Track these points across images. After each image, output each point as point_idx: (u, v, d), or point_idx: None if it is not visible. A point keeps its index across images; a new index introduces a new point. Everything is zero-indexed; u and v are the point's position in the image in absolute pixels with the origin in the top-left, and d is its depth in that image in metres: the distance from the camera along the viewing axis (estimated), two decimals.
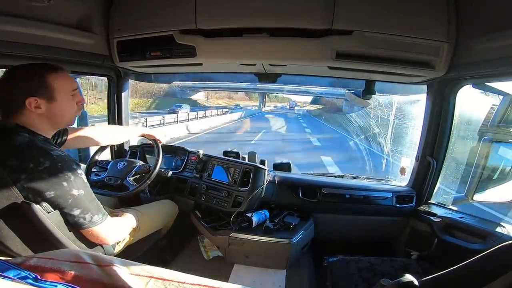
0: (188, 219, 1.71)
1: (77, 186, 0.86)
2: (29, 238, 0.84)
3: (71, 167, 0.86)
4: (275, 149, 11.06)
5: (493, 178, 1.45)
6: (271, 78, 1.63)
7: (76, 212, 0.87)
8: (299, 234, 1.49)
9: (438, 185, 1.54)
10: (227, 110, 28.38)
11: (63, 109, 0.91)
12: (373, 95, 1.60)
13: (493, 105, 1.64)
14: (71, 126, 1.23)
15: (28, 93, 0.84)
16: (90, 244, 0.98)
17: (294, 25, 1.16)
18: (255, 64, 1.44)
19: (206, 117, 21.42)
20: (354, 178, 1.89)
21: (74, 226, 0.89)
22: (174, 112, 19.16)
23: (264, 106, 42.01)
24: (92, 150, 1.61)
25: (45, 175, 0.81)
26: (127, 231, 1.14)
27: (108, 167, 1.51)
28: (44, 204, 0.82)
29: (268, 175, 1.66)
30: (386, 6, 1.12)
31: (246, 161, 1.77)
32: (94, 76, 1.81)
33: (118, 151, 1.91)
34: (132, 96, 10.40)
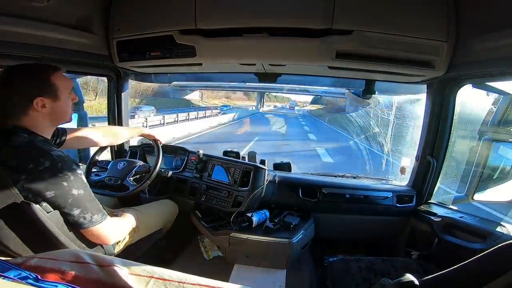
0: (188, 219, 1.71)
1: (76, 186, 0.86)
2: (29, 238, 0.84)
3: (71, 167, 0.86)
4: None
5: (493, 177, 1.45)
6: (271, 78, 1.63)
7: (76, 211, 0.87)
8: (299, 234, 1.49)
9: (438, 184, 1.54)
10: (219, 111, 25.13)
11: (64, 106, 0.94)
12: (373, 95, 1.60)
13: (493, 104, 1.64)
14: (70, 127, 1.23)
15: (36, 93, 0.86)
16: (90, 244, 0.98)
17: (294, 25, 1.16)
18: (255, 64, 1.44)
19: (190, 120, 17.43)
20: (354, 177, 1.89)
21: (74, 226, 0.89)
22: (132, 115, 13.86)
23: (263, 106, 39.40)
24: (92, 150, 1.61)
25: (45, 175, 0.81)
26: (127, 231, 1.14)
27: (108, 167, 1.51)
28: (44, 204, 0.83)
29: (268, 175, 1.66)
30: (386, 6, 1.12)
31: (246, 161, 1.77)
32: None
33: (118, 151, 1.91)
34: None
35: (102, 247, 1.03)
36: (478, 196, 1.43)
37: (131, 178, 1.44)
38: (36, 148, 0.84)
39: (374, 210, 1.65)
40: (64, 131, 1.18)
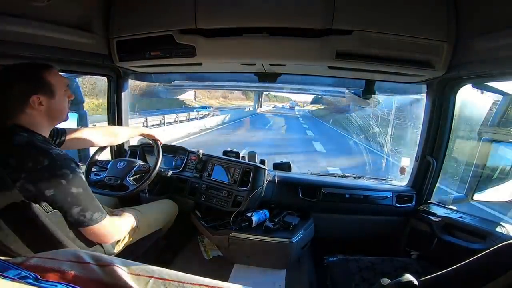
0: (188, 219, 1.71)
1: (76, 184, 0.86)
2: (29, 237, 0.84)
3: (70, 166, 0.86)
4: None
5: (493, 177, 1.45)
6: (271, 78, 1.63)
7: (76, 210, 0.87)
8: (299, 233, 1.49)
9: (438, 184, 1.55)
10: (207, 113, 20.39)
11: (60, 104, 0.94)
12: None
13: (493, 105, 1.64)
14: (70, 127, 1.23)
15: (32, 91, 0.86)
16: (90, 243, 0.98)
17: (294, 25, 1.16)
18: (255, 64, 1.44)
19: (165, 124, 13.22)
20: (354, 177, 1.89)
21: (74, 224, 0.89)
22: None
23: (260, 107, 36.34)
24: (92, 150, 1.61)
25: (44, 174, 0.81)
26: (127, 230, 1.14)
27: (108, 167, 1.51)
28: (44, 203, 0.83)
29: (268, 175, 1.66)
30: (386, 6, 1.12)
31: (246, 160, 1.77)
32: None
33: (118, 150, 1.91)
34: (96, 96, 9.41)
35: (102, 246, 1.03)
36: (477, 196, 1.43)
37: (131, 178, 1.44)
38: (35, 147, 0.84)
39: (374, 210, 1.65)
40: (64, 131, 1.18)
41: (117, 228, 1.04)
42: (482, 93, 1.42)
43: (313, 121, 23.80)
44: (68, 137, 1.19)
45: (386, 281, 0.65)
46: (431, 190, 1.56)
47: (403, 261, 1.32)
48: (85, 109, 2.41)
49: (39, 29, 1.09)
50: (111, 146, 1.79)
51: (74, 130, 1.27)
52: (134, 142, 2.00)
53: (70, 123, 1.05)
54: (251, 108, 32.92)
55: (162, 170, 1.60)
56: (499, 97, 1.58)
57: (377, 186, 1.74)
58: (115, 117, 1.82)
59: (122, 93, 1.80)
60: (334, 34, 1.15)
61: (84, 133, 1.30)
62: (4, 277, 0.43)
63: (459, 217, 1.37)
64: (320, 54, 1.22)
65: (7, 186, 0.78)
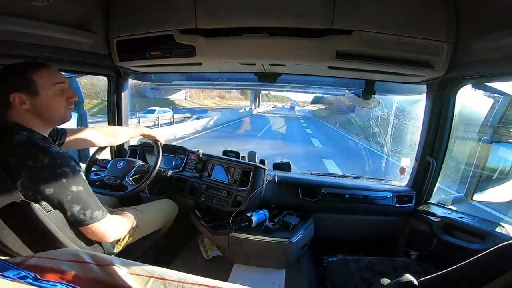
0: (188, 219, 1.71)
1: (76, 183, 0.86)
2: (29, 237, 0.84)
3: (70, 164, 0.86)
4: None
5: (493, 178, 1.45)
6: (271, 77, 1.63)
7: (76, 208, 0.87)
8: (298, 233, 1.49)
9: (437, 185, 1.55)
10: (188, 116, 17.07)
11: (48, 103, 0.90)
12: (373, 95, 1.60)
13: (493, 105, 1.64)
14: (71, 128, 1.23)
15: (12, 90, 0.85)
16: (90, 243, 0.98)
17: (294, 25, 1.16)
18: (255, 64, 1.44)
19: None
20: (354, 178, 1.89)
21: (74, 223, 0.89)
22: None
23: (258, 107, 33.18)
24: (92, 150, 1.61)
25: (44, 172, 0.81)
26: (127, 229, 1.14)
27: (108, 166, 1.51)
28: (44, 203, 0.83)
29: (268, 175, 1.66)
30: (386, 6, 1.12)
31: (246, 160, 1.77)
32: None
33: (118, 150, 1.91)
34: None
35: (102, 246, 1.03)
36: (477, 197, 1.43)
37: (130, 178, 1.44)
38: (35, 145, 0.84)
39: (373, 210, 1.65)
40: (64, 132, 1.18)
41: (117, 227, 1.04)
42: (482, 93, 1.43)
43: (316, 124, 20.89)
44: (69, 137, 1.19)
45: (386, 281, 0.65)
46: (431, 190, 1.56)
47: (402, 261, 1.32)
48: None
49: (39, 29, 1.09)
50: (111, 146, 1.79)
51: (74, 130, 1.27)
52: (134, 142, 2.00)
53: (70, 123, 1.04)
54: (248, 109, 29.54)
55: (162, 170, 1.60)
56: (500, 97, 1.58)
57: (377, 186, 1.74)
58: (115, 117, 1.82)
59: (122, 93, 1.80)
60: (334, 34, 1.15)
61: (84, 133, 1.30)
62: (4, 276, 0.43)
63: (459, 217, 1.37)
64: (320, 54, 1.22)
65: (7, 185, 0.78)
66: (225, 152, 1.83)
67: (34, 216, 0.80)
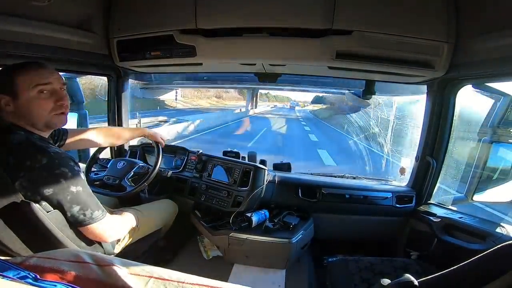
0: (188, 219, 1.71)
1: (75, 183, 0.86)
2: (29, 237, 0.84)
3: (68, 164, 0.86)
4: None
5: (493, 178, 1.45)
6: (271, 78, 1.63)
7: (76, 208, 0.87)
8: (298, 234, 1.49)
9: (438, 185, 1.55)
10: (163, 120, 14.37)
11: (29, 106, 0.85)
12: (373, 95, 1.60)
13: (493, 105, 1.64)
14: (71, 128, 1.23)
15: None
16: (90, 243, 0.98)
17: (294, 25, 1.16)
18: (255, 64, 1.44)
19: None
20: (354, 178, 1.89)
21: (74, 223, 0.89)
22: None
23: (255, 107, 30.00)
24: (92, 150, 1.61)
25: (42, 173, 0.81)
26: (127, 229, 1.14)
27: (108, 166, 1.51)
28: (44, 203, 0.83)
29: (268, 175, 1.66)
30: (386, 6, 1.12)
31: (246, 161, 1.77)
32: None
33: (118, 150, 1.91)
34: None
35: (102, 246, 1.03)
36: (477, 197, 1.43)
37: (129, 179, 1.44)
38: (33, 145, 0.84)
39: (373, 211, 1.65)
40: (66, 132, 1.18)
41: (117, 227, 1.04)
42: (482, 93, 1.42)
43: (319, 126, 18.17)
44: (70, 137, 1.19)
45: (386, 281, 0.65)
46: (431, 191, 1.56)
47: (403, 262, 1.32)
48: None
49: (39, 29, 1.09)
50: (111, 146, 1.79)
51: (75, 131, 1.27)
52: (134, 141, 2.00)
53: (70, 123, 1.03)
54: (244, 109, 26.19)
55: (162, 170, 1.60)
56: (500, 98, 1.58)
57: (377, 187, 1.74)
58: (115, 117, 1.82)
59: (122, 93, 1.80)
60: (334, 34, 1.15)
61: (85, 134, 1.29)
62: (4, 277, 0.43)
63: (459, 218, 1.37)
64: (320, 54, 1.22)
65: (7, 185, 0.78)
66: (225, 152, 1.83)
67: (34, 216, 0.80)
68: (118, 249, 1.15)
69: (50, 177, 0.82)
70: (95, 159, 1.54)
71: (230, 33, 1.23)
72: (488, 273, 0.52)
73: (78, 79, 2.47)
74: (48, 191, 0.82)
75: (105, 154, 1.65)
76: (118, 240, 1.15)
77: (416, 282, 0.60)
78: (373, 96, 1.62)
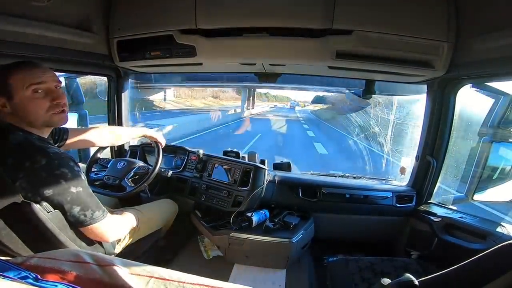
0: (188, 219, 1.71)
1: (75, 183, 0.86)
2: (30, 237, 0.84)
3: (68, 164, 0.85)
4: None
5: (493, 178, 1.45)
6: (271, 77, 1.63)
7: (76, 209, 0.87)
8: (299, 233, 1.49)
9: (438, 184, 1.55)
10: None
11: (24, 107, 0.84)
12: (374, 95, 1.60)
13: (494, 105, 1.64)
14: (72, 127, 1.23)
15: None
16: (91, 243, 0.98)
17: (294, 25, 1.17)
18: (255, 64, 1.44)
19: None
20: (354, 177, 1.89)
21: (75, 224, 0.89)
22: None
23: (252, 107, 27.14)
24: (92, 149, 1.61)
25: (42, 173, 0.81)
26: (127, 229, 1.14)
27: (108, 166, 1.51)
28: (44, 203, 0.82)
29: (268, 175, 1.66)
30: (386, 6, 1.12)
31: (246, 160, 1.77)
32: None
33: (118, 150, 1.91)
34: None
35: (102, 246, 1.03)
36: (478, 196, 1.43)
37: (130, 179, 1.44)
38: (32, 146, 0.84)
39: (374, 210, 1.65)
40: (66, 131, 1.18)
41: (117, 227, 1.04)
42: (482, 93, 1.42)
43: (322, 129, 16.10)
44: (70, 137, 1.19)
45: (386, 281, 0.65)
46: (431, 190, 1.56)
47: (403, 261, 1.32)
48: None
49: (39, 29, 1.09)
50: (111, 146, 1.79)
51: (76, 130, 1.27)
52: (134, 141, 2.00)
53: (70, 123, 1.03)
54: (239, 110, 23.40)
55: (162, 170, 1.60)
56: (500, 97, 1.58)
57: (377, 186, 1.74)
58: (115, 117, 1.82)
59: (122, 93, 1.80)
60: (334, 34, 1.15)
61: (86, 133, 1.29)
62: (4, 277, 0.43)
63: (459, 217, 1.37)
64: (320, 54, 1.22)
65: (7, 186, 0.78)
66: (225, 152, 1.83)
67: (35, 217, 0.80)
68: (118, 249, 1.15)
69: (50, 177, 0.82)
70: (95, 159, 1.54)
71: (230, 33, 1.23)
72: (489, 272, 0.52)
73: (77, 79, 2.47)
74: (48, 191, 0.81)
75: (106, 154, 1.65)
76: (119, 240, 1.15)
77: (416, 282, 0.60)
78: (378, 96, 1.62)
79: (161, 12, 1.28)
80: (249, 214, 1.50)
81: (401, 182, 1.78)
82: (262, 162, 1.75)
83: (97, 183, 1.48)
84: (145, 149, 1.90)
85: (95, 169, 1.57)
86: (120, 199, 1.53)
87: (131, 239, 1.22)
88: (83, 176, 0.91)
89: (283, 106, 43.83)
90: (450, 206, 1.50)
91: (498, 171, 1.46)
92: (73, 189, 0.85)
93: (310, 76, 1.80)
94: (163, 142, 1.54)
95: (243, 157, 1.81)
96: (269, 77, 1.63)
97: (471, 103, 1.58)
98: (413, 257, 1.44)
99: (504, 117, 1.50)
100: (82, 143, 1.29)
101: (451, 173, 1.63)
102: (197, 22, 1.22)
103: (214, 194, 1.64)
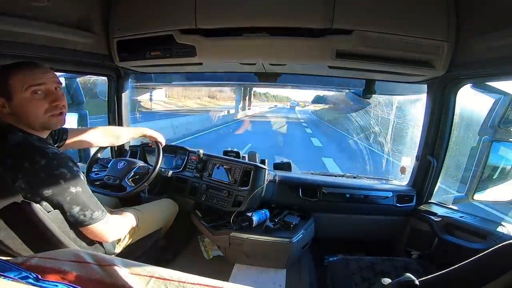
0: (189, 219, 1.71)
1: (74, 184, 0.86)
2: (30, 237, 0.84)
3: (67, 164, 0.85)
4: None
5: (493, 177, 1.45)
6: (271, 77, 1.63)
7: (76, 209, 0.87)
8: (299, 233, 1.49)
9: (438, 184, 1.55)
10: None
11: (23, 108, 0.84)
12: (374, 95, 1.60)
13: (494, 104, 1.64)
14: (72, 127, 1.23)
15: None
16: (91, 243, 0.98)
17: (294, 25, 1.17)
18: (255, 64, 1.44)
19: None
20: (355, 177, 1.89)
21: (75, 224, 0.89)
22: None
23: (248, 108, 24.36)
24: (92, 149, 1.61)
25: (41, 174, 0.81)
26: (127, 229, 1.14)
27: (108, 166, 1.52)
28: (44, 203, 0.82)
29: (269, 175, 1.66)
30: (386, 5, 1.12)
31: (247, 160, 1.77)
32: None
33: (118, 150, 1.91)
34: None
35: (103, 246, 1.03)
36: (478, 196, 1.43)
37: (130, 179, 1.44)
38: (31, 146, 0.84)
39: (374, 210, 1.65)
40: (65, 131, 1.18)
41: (117, 227, 1.04)
42: (482, 92, 1.43)
43: (331, 136, 13.16)
44: (70, 137, 1.19)
45: (386, 280, 0.65)
46: (432, 190, 1.56)
47: (403, 261, 1.32)
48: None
49: (39, 29, 1.09)
50: (111, 146, 1.79)
51: (76, 130, 1.27)
52: (134, 141, 2.00)
53: (70, 123, 1.03)
54: (232, 111, 21.11)
55: (163, 170, 1.60)
56: (500, 97, 1.58)
57: (378, 186, 1.74)
58: (115, 117, 1.82)
59: (123, 93, 1.80)
60: (334, 34, 1.15)
61: (86, 133, 1.29)
62: (5, 277, 0.43)
63: (460, 217, 1.37)
64: (320, 54, 1.22)
65: (6, 186, 0.78)
66: (226, 152, 1.83)
67: (35, 217, 0.80)
68: (118, 249, 1.15)
69: (49, 178, 0.82)
70: (95, 159, 1.54)
71: (230, 33, 1.23)
72: (489, 272, 0.52)
73: (77, 79, 2.47)
74: (47, 192, 0.81)
75: (106, 154, 1.65)
76: (119, 240, 1.15)
77: (416, 282, 0.60)
78: (386, 96, 1.62)
79: (161, 12, 1.28)
80: (249, 214, 1.50)
81: (401, 181, 1.78)
82: (263, 162, 1.75)
83: (97, 183, 1.48)
84: (145, 149, 1.90)
85: (95, 169, 1.57)
86: (120, 199, 1.53)
87: (131, 239, 1.22)
88: (83, 176, 0.91)
89: (283, 106, 43.11)
90: (451, 206, 1.50)
91: (499, 170, 1.46)
92: (73, 189, 0.85)
93: (310, 76, 1.80)
94: (163, 142, 1.54)
95: (244, 157, 1.81)
96: (269, 77, 1.63)
97: (471, 103, 1.58)
98: (413, 257, 1.44)
99: (504, 117, 1.50)
100: (81, 143, 1.29)
101: (451, 173, 1.63)
102: (197, 22, 1.22)
103: (215, 194, 1.64)
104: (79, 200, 0.87)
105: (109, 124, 1.83)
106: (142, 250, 1.33)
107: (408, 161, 1.83)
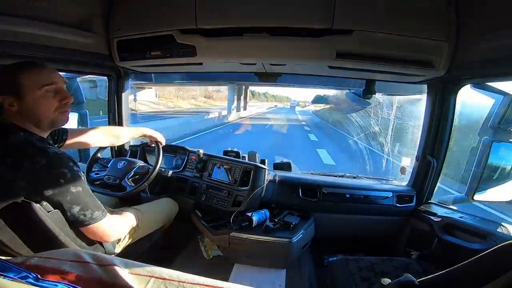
0: (189, 219, 1.71)
1: (74, 183, 0.86)
2: (30, 237, 0.84)
3: (67, 164, 0.86)
4: None
5: (493, 178, 1.45)
6: (271, 77, 1.63)
7: (76, 209, 0.87)
8: (299, 233, 1.49)
9: (438, 184, 1.54)
10: None
11: (35, 106, 0.86)
12: (375, 95, 1.60)
13: (494, 105, 1.64)
14: (72, 127, 1.23)
15: (0, 92, 0.84)
16: (91, 243, 0.98)
17: (294, 25, 1.16)
18: (255, 64, 1.44)
19: None
20: (354, 177, 1.89)
21: (75, 223, 0.89)
22: None
23: (244, 109, 22.01)
24: (92, 149, 1.61)
25: (41, 173, 0.81)
26: (127, 229, 1.14)
27: (108, 166, 1.52)
28: (44, 203, 0.83)
29: (269, 175, 1.66)
30: (386, 6, 1.12)
31: (247, 160, 1.77)
32: None
33: (118, 150, 1.91)
34: None
35: (103, 246, 1.04)
36: (478, 196, 1.43)
37: (130, 179, 1.44)
38: (32, 146, 0.84)
39: (374, 210, 1.65)
40: (65, 131, 1.18)
41: (117, 226, 1.04)
42: (482, 92, 1.42)
43: (336, 141, 11.33)
44: (70, 137, 1.19)
45: (386, 281, 0.66)
46: (432, 190, 1.56)
47: (403, 261, 1.32)
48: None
49: (39, 29, 1.09)
50: (111, 146, 1.79)
51: (76, 130, 1.27)
52: (134, 141, 2.00)
53: (70, 123, 1.03)
54: (225, 112, 18.61)
55: (163, 170, 1.60)
56: (500, 97, 1.58)
57: (378, 186, 1.74)
58: (115, 117, 1.82)
59: (123, 93, 1.80)
60: (334, 34, 1.15)
61: (86, 133, 1.30)
62: (5, 277, 0.43)
63: (460, 217, 1.37)
64: (321, 54, 1.22)
65: (7, 186, 0.78)
66: (226, 152, 1.83)
67: (35, 216, 0.80)
68: (118, 248, 1.15)
69: (49, 177, 0.82)
70: (95, 159, 1.55)
71: (230, 33, 1.23)
72: (489, 272, 0.52)
73: (77, 79, 2.47)
74: (47, 191, 0.82)
75: (106, 154, 1.65)
76: (119, 240, 1.15)
77: (416, 282, 0.60)
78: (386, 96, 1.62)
79: (161, 12, 1.28)
80: (249, 214, 1.50)
81: (401, 182, 1.78)
82: (262, 162, 1.75)
83: (97, 183, 1.48)
84: (145, 148, 1.90)
85: (95, 169, 1.57)
86: (120, 198, 1.53)
87: (131, 239, 1.22)
88: (83, 176, 0.91)
89: (283, 106, 42.50)
90: (450, 206, 1.50)
91: (499, 171, 1.46)
92: (73, 189, 0.85)
93: (310, 75, 1.80)
94: (163, 141, 1.54)
95: (243, 157, 1.81)
96: (269, 77, 1.63)
97: (471, 103, 1.58)
98: (413, 257, 1.44)
99: (505, 117, 1.50)
100: (81, 143, 1.29)
101: (451, 173, 1.63)
102: (197, 22, 1.22)
103: (214, 194, 1.64)
104: (79, 199, 0.87)
105: (109, 124, 1.83)
106: (142, 250, 1.33)
107: (408, 161, 1.83)
